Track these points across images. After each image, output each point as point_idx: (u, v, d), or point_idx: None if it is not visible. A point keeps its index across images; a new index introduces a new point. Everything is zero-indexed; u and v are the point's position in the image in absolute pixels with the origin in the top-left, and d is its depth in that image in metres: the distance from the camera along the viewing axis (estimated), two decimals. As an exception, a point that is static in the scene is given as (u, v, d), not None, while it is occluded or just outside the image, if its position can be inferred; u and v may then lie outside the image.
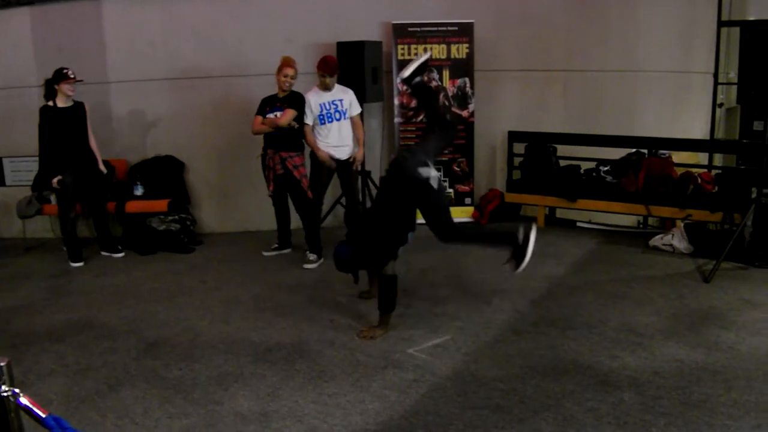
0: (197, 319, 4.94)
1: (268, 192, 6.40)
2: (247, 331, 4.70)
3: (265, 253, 6.63)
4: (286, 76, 6.10)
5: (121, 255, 6.73)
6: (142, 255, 6.76)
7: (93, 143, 6.62)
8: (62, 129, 6.34)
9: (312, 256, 6.25)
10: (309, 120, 6.23)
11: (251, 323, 4.84)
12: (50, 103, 6.32)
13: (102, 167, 6.68)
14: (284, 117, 6.06)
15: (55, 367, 4.18)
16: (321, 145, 6.26)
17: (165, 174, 7.33)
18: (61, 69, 6.30)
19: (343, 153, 6.36)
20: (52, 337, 4.66)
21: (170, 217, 6.98)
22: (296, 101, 6.16)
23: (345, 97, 6.33)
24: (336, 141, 6.31)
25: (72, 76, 6.31)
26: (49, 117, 6.31)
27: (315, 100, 6.19)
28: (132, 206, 7.02)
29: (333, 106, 6.25)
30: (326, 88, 6.22)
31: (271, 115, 6.14)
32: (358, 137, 6.47)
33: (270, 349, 4.37)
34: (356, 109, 6.41)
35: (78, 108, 6.48)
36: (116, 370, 4.13)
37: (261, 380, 3.93)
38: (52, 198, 7.04)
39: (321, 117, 6.22)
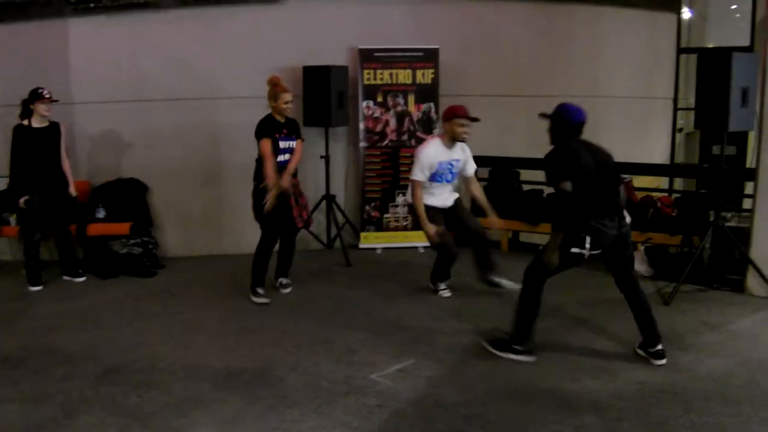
0: (158, 345, 4.86)
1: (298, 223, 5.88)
2: (208, 356, 4.64)
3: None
4: (286, 102, 5.70)
5: (82, 279, 6.61)
6: (103, 279, 6.65)
7: (66, 165, 6.54)
8: (35, 149, 6.25)
9: (287, 281, 6.16)
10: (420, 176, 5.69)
11: (213, 348, 4.78)
12: (25, 123, 6.24)
13: (72, 190, 6.58)
14: (293, 164, 5.79)
15: (10, 395, 4.07)
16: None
17: (128, 197, 7.24)
18: (37, 89, 6.23)
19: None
20: (7, 363, 4.55)
21: (132, 241, 6.89)
22: (297, 129, 5.90)
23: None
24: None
25: (47, 96, 6.24)
26: (22, 136, 6.23)
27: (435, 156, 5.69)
28: (94, 229, 6.92)
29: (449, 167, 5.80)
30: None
31: (284, 144, 5.71)
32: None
33: (232, 375, 4.32)
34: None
35: (53, 128, 6.41)
36: (73, 397, 4.04)
37: (222, 406, 3.88)
38: (12, 219, 6.91)
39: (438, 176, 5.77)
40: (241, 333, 5.09)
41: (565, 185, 4.16)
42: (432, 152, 5.68)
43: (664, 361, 4.35)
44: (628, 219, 4.37)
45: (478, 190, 6.02)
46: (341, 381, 4.20)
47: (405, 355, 4.58)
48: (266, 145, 5.60)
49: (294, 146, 5.83)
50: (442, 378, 4.24)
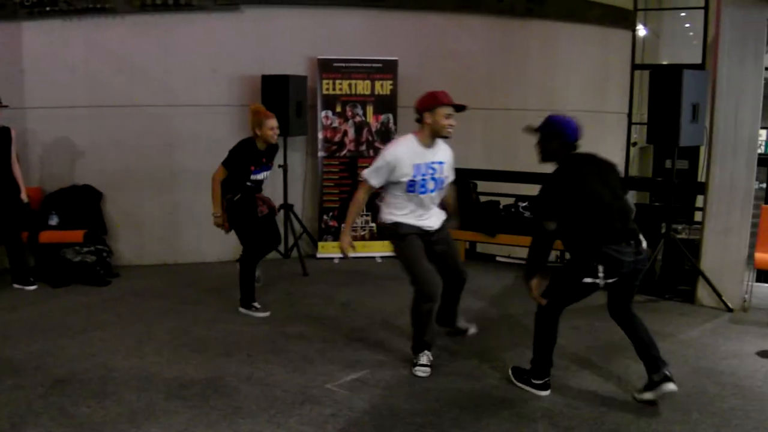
0: (109, 354, 4.78)
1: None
2: (160, 366, 4.58)
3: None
4: (272, 128, 5.41)
5: (33, 287, 6.47)
6: (54, 287, 6.51)
7: (16, 170, 6.42)
8: None
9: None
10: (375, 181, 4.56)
11: (165, 358, 4.72)
12: None
13: (24, 196, 6.46)
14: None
15: (-46, 406, 3.97)
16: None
17: (81, 204, 7.12)
18: None
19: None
20: (-48, 374, 4.44)
21: (86, 249, 6.77)
22: (275, 154, 5.73)
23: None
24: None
25: None
26: None
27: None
28: (46, 236, 6.78)
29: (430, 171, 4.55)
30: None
31: (260, 176, 5.55)
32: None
33: (184, 385, 4.26)
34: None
35: (2, 133, 6.30)
36: (20, 407, 3.94)
37: (174, 417, 3.83)
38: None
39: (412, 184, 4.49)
40: (194, 343, 5.03)
41: (549, 225, 3.90)
42: (403, 152, 4.42)
43: (674, 387, 3.86)
44: (644, 244, 3.90)
45: (450, 197, 4.98)
46: (296, 391, 4.18)
47: (360, 365, 4.59)
48: (222, 173, 5.41)
49: (269, 172, 5.69)
50: (398, 387, 4.25)
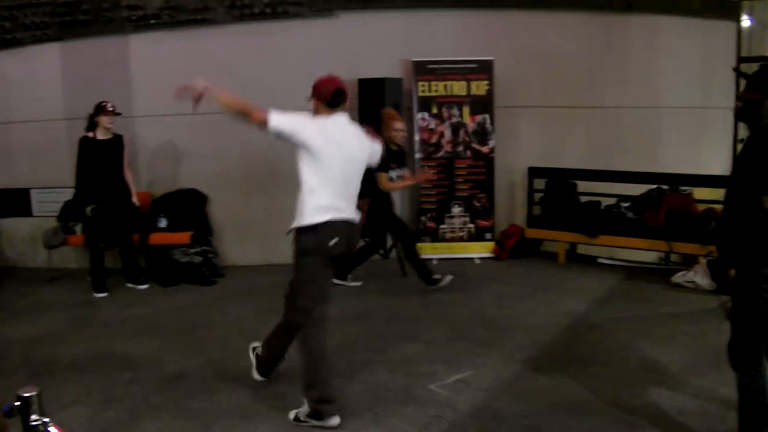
0: (218, 352, 4.96)
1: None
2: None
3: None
4: (396, 130, 6.14)
5: (144, 287, 6.79)
6: (164, 287, 6.81)
7: (128, 175, 6.77)
8: (99, 160, 6.48)
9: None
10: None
11: (272, 356, 4.84)
12: (90, 135, 6.47)
13: (135, 200, 6.80)
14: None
15: (78, 398, 4.20)
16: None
17: (188, 206, 7.42)
18: (101, 103, 6.48)
19: None
20: (75, 368, 4.70)
21: (192, 250, 7.05)
22: (404, 155, 6.46)
23: None
24: None
25: (111, 110, 6.48)
26: (87, 148, 6.47)
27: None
28: (155, 238, 7.11)
29: None
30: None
31: (394, 174, 6.19)
32: None
33: (290, 383, 4.35)
34: None
35: (116, 140, 6.65)
36: (138, 401, 4.15)
37: (283, 414, 3.92)
38: (78, 229, 7.15)
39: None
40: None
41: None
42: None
43: None
44: None
45: None
46: (399, 390, 4.22)
47: (463, 366, 4.58)
48: (382, 178, 6.00)
49: (402, 172, 6.30)
50: (501, 390, 4.22)
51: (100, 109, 6.46)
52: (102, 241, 6.60)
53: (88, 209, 6.43)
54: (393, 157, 6.11)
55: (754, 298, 3.01)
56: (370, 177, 5.58)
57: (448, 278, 6.36)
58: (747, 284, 3.03)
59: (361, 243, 6.22)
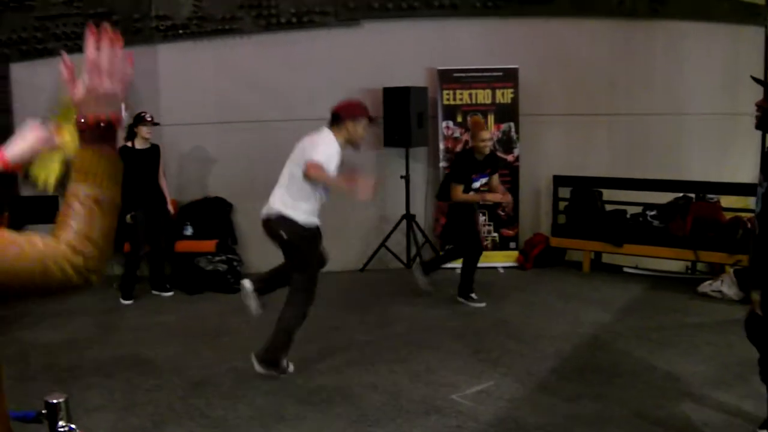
0: (241, 360, 4.97)
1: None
2: (290, 373, 4.73)
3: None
4: (483, 141, 5.99)
5: (170, 294, 6.86)
6: (189, 294, 6.87)
7: (164, 184, 6.86)
8: (138, 169, 6.56)
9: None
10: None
11: (295, 365, 4.85)
12: (129, 144, 6.57)
13: (171, 207, 6.89)
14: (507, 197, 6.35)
15: (103, 403, 4.26)
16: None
17: (214, 215, 7.49)
18: (140, 113, 6.57)
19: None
20: (100, 373, 4.76)
21: (218, 258, 7.10)
22: (497, 162, 6.38)
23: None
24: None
25: (149, 119, 6.57)
26: (126, 157, 6.55)
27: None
28: (181, 246, 7.18)
29: None
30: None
31: (477, 184, 6.11)
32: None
33: (312, 392, 4.39)
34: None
35: (154, 150, 6.75)
36: (162, 407, 4.20)
37: (302, 422, 3.95)
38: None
39: None
40: (320, 350, 5.16)
41: None
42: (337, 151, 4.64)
43: None
44: None
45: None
46: (421, 401, 4.22)
47: (485, 376, 4.57)
48: (457, 191, 5.97)
49: (487, 180, 6.19)
50: (523, 400, 4.20)
51: (139, 119, 6.55)
52: (142, 248, 6.69)
53: (128, 217, 6.52)
54: (475, 167, 6.03)
55: None
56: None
57: (482, 304, 6.22)
58: None
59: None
